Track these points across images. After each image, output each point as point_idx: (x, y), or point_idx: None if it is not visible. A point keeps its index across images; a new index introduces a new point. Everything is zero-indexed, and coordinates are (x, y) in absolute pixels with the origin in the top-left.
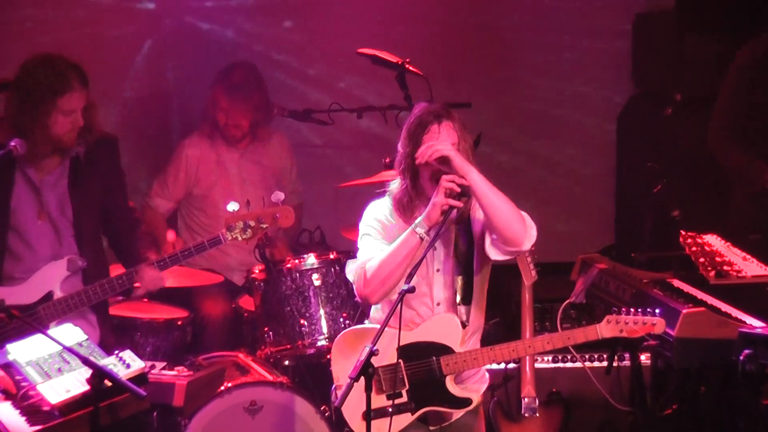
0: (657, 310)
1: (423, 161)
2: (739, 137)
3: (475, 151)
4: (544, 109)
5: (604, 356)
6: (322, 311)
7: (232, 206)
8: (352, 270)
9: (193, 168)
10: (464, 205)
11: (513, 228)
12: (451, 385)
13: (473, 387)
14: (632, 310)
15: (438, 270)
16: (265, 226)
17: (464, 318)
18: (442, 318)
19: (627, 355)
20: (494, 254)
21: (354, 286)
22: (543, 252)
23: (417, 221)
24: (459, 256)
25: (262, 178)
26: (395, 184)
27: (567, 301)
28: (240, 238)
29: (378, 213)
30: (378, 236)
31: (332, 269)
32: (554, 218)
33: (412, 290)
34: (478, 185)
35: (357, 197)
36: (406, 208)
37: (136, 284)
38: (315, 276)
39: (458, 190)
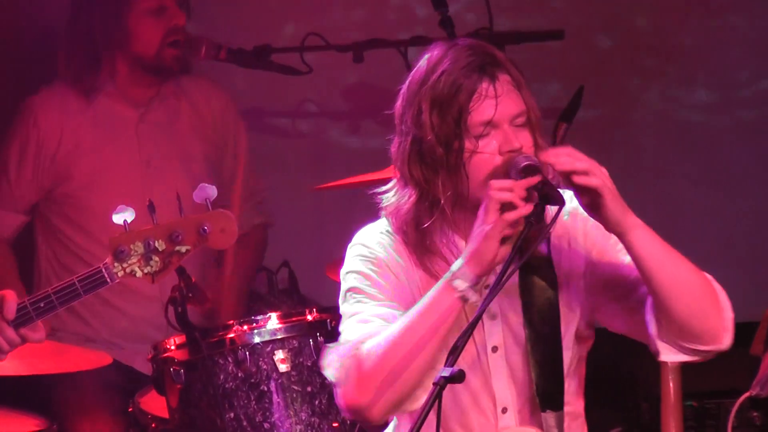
0: None
1: (562, 168)
2: None
3: (571, 121)
4: (690, 48)
5: None
6: (293, 419)
7: (123, 215)
8: (334, 360)
9: (53, 143)
10: (542, 226)
11: (707, 318)
12: None
13: None
14: None
15: (495, 349)
16: (184, 249)
17: None
18: None
19: None
20: (667, 353)
21: (338, 390)
22: None
23: (454, 266)
24: (534, 320)
25: (181, 160)
26: (393, 193)
27: (745, 394)
28: (139, 274)
29: (375, 247)
30: (377, 292)
31: (310, 342)
32: (715, 247)
33: (459, 378)
34: (649, 251)
35: (354, 209)
36: (417, 237)
37: None
38: (279, 355)
39: (523, 211)
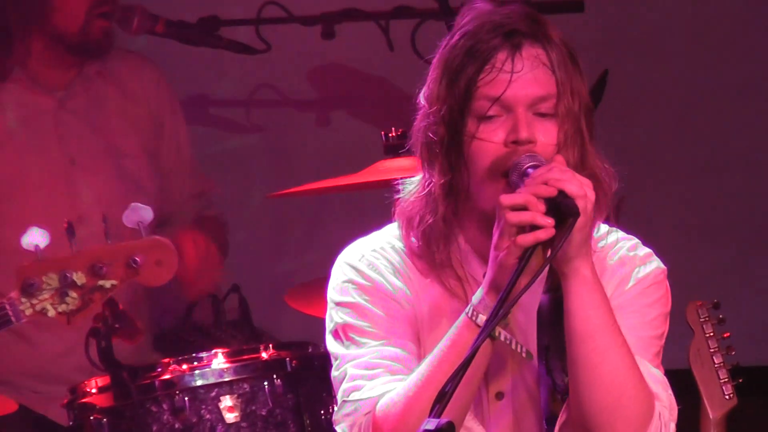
0: None
1: (533, 185)
2: None
3: (594, 112)
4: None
5: None
6: None
7: (34, 237)
8: (346, 416)
9: None
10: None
11: (613, 427)
12: None
13: None
14: None
15: (500, 396)
16: (109, 284)
17: None
18: None
19: None
20: None
21: None
22: (746, 344)
23: (475, 298)
24: (555, 369)
25: (111, 157)
26: (412, 187)
27: None
28: (52, 313)
29: (365, 269)
30: (374, 328)
31: (265, 386)
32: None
33: (448, 431)
34: (584, 313)
35: (323, 222)
36: (434, 241)
37: None
38: (226, 402)
39: (540, 236)
